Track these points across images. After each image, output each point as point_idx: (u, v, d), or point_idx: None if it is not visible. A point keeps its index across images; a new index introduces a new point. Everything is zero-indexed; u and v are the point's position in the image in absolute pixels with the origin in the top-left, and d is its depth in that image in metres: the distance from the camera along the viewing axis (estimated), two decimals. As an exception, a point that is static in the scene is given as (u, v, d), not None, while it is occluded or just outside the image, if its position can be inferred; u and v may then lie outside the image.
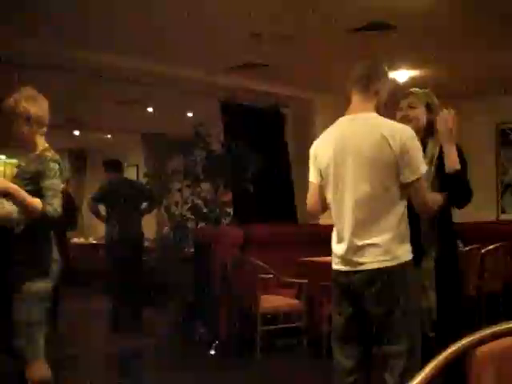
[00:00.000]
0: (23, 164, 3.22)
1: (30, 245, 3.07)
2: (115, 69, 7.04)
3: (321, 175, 2.84)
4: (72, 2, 5.12)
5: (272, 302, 5.71)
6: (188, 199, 7.07)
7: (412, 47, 6.32)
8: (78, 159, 14.52)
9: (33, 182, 3.01)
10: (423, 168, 2.67)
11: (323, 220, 7.83)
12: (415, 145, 2.67)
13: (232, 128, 8.02)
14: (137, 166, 12.76)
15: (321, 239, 6.88)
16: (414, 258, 2.73)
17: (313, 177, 2.91)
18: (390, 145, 2.61)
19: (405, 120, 3.11)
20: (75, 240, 11.96)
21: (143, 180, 8.35)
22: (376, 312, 2.64)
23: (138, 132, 11.83)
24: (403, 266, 2.64)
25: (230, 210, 7.56)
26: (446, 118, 2.99)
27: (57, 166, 3.06)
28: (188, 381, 4.90)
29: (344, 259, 2.70)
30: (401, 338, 2.61)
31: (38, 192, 2.97)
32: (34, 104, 3.12)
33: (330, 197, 2.80)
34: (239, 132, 7.79)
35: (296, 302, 5.76)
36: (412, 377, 2.13)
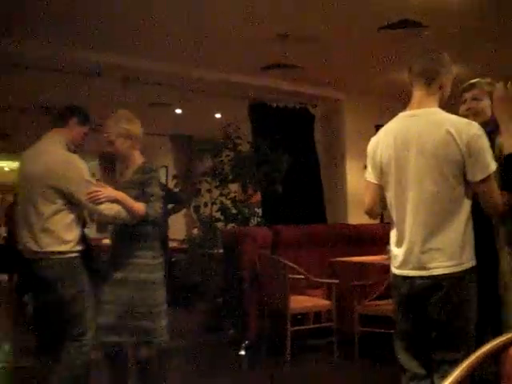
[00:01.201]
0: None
1: (149, 242, 3.60)
2: (144, 72, 7.11)
3: (380, 174, 2.70)
4: (101, 7, 5.19)
5: (302, 302, 5.69)
6: (217, 200, 7.09)
7: (443, 45, 6.24)
8: (108, 161, 14.64)
9: (138, 188, 3.53)
10: (493, 166, 2.48)
11: (352, 220, 7.84)
12: (483, 141, 2.49)
13: (260, 128, 8.02)
14: (166, 167, 12.85)
15: (350, 239, 6.91)
16: (490, 259, 2.64)
17: (371, 176, 2.76)
18: (456, 141, 2.45)
19: (470, 114, 2.93)
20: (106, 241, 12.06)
21: (173, 181, 8.40)
22: (438, 318, 2.53)
23: (167, 134, 11.92)
24: (467, 273, 2.51)
25: (259, 211, 7.57)
26: (501, 92, 2.79)
27: (156, 175, 3.65)
28: (218, 381, 4.91)
29: (406, 263, 2.57)
30: (459, 345, 2.52)
31: (142, 196, 3.50)
32: (132, 124, 3.65)
33: (390, 196, 2.67)
34: (267, 132, 7.79)
35: (326, 302, 5.73)
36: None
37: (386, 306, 4.72)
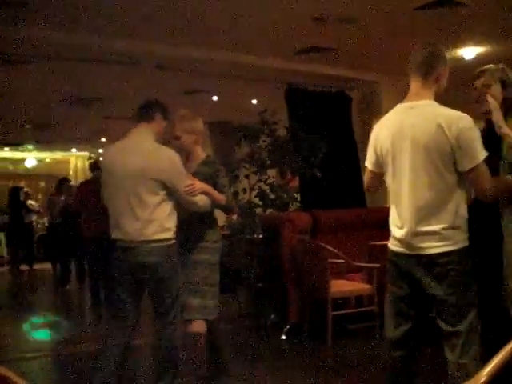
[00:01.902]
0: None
1: (214, 227, 4.13)
2: (180, 59, 7.14)
3: (379, 162, 2.88)
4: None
5: (342, 286, 5.69)
6: (255, 186, 7.10)
7: (479, 23, 6.12)
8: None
9: (206, 180, 3.90)
10: (481, 156, 2.63)
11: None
12: (472, 134, 2.63)
13: (297, 113, 7.99)
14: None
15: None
16: (496, 240, 2.83)
17: (370, 164, 2.96)
18: (445, 134, 2.60)
19: (481, 100, 3.06)
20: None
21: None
22: (434, 294, 2.70)
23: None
24: (461, 252, 2.68)
25: (298, 196, 7.56)
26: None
27: (222, 168, 4.09)
28: (259, 366, 4.95)
29: (403, 242, 2.77)
30: (460, 319, 2.66)
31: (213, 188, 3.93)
32: (195, 121, 4.07)
33: (389, 183, 2.87)
34: (304, 117, 7.76)
35: (367, 286, 5.71)
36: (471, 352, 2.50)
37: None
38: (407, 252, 2.76)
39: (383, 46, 6.96)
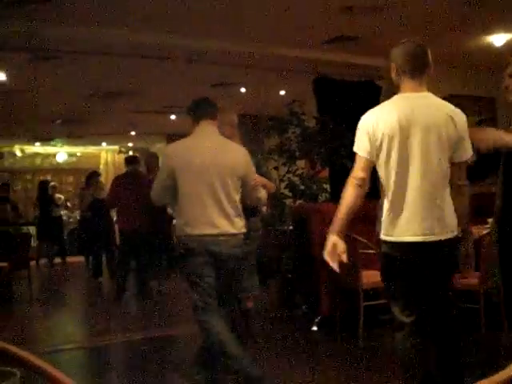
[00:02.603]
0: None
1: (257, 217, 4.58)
2: (208, 52, 7.15)
3: (377, 150, 2.89)
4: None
5: (374, 277, 5.64)
6: (284, 177, 7.09)
7: (509, 10, 6.01)
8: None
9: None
10: (470, 152, 2.86)
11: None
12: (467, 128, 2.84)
13: (326, 103, 7.95)
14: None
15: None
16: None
17: (366, 152, 2.95)
18: (454, 124, 2.76)
19: (507, 92, 3.08)
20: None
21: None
22: (433, 279, 2.86)
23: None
24: (458, 239, 2.86)
25: (327, 187, 7.53)
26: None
27: (260, 157, 4.52)
28: (291, 357, 4.95)
29: (407, 230, 2.82)
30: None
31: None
32: (232, 114, 4.33)
33: (390, 169, 2.87)
34: (333, 107, 7.72)
35: (398, 276, 5.67)
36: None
37: (463, 280, 4.63)
38: (413, 240, 2.83)
39: (412, 35, 6.85)
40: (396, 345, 3.11)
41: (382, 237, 2.97)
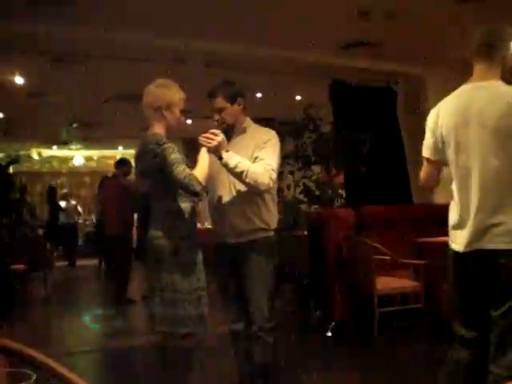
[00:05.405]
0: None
1: None
2: (224, 56, 7.17)
3: (439, 149, 2.67)
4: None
5: (388, 283, 5.62)
6: (300, 182, 7.09)
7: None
8: (190, 147, 14.94)
9: None
10: None
11: (439, 200, 7.64)
12: None
13: (341, 108, 7.94)
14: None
15: (437, 219, 6.70)
16: None
17: (428, 152, 2.74)
18: None
19: None
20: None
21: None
22: (494, 294, 2.52)
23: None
24: None
25: (343, 192, 7.51)
26: None
27: None
28: (305, 363, 4.94)
29: (467, 237, 2.54)
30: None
31: None
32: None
33: (452, 170, 2.63)
34: (349, 112, 7.70)
35: (413, 283, 5.63)
36: None
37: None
38: (469, 249, 2.54)
39: (428, 40, 6.84)
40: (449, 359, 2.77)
41: (453, 245, 2.67)
